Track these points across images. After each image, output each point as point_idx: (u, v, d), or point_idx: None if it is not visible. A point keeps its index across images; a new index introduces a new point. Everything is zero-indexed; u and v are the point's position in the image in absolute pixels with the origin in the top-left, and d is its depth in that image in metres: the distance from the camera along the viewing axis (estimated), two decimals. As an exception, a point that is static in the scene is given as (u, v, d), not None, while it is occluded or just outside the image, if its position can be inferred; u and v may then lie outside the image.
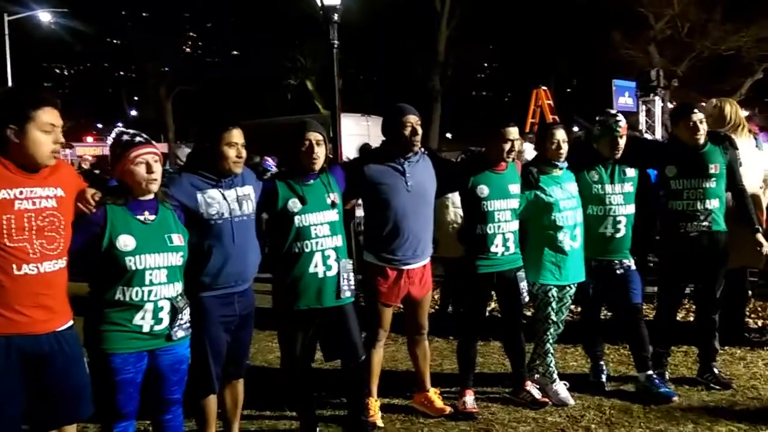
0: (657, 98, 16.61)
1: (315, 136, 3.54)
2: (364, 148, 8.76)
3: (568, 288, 4.25)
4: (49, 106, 2.61)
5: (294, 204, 3.52)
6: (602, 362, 4.56)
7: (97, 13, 31.11)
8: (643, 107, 16.91)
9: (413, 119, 3.85)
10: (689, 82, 22.87)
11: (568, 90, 38.88)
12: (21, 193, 2.54)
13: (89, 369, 2.87)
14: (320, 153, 3.56)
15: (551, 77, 31.45)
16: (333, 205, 3.61)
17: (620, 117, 4.27)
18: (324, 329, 3.63)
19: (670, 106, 17.59)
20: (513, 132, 4.02)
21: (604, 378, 4.49)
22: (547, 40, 31.23)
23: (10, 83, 22.15)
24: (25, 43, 28.95)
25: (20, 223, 2.52)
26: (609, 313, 5.19)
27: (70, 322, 2.70)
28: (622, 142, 4.23)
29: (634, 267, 4.32)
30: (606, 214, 4.27)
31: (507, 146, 4.00)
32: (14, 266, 2.49)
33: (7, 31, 22.63)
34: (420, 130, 3.87)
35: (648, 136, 13.34)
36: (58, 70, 48.56)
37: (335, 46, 7.36)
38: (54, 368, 2.61)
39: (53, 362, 2.60)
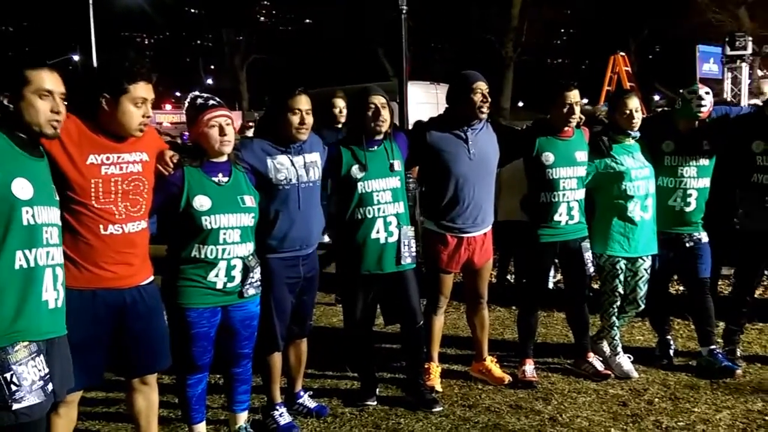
0: (744, 65, 15.69)
1: (379, 100, 3.58)
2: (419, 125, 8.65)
3: (641, 261, 4.14)
4: (144, 81, 2.68)
5: (357, 170, 3.58)
6: (669, 337, 4.45)
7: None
8: (729, 74, 16.02)
9: (483, 86, 3.81)
10: (782, 48, 21.43)
11: (650, 56, 37.22)
12: (108, 158, 2.66)
13: (167, 323, 3.05)
14: (386, 116, 3.60)
15: (631, 43, 30.13)
16: (394, 171, 3.65)
17: (704, 99, 4.04)
18: (384, 294, 3.71)
19: (760, 73, 16.59)
20: (572, 95, 3.91)
21: (671, 353, 4.39)
22: (628, 2, 29.86)
23: (94, 52, 23.06)
24: (107, 12, 30.04)
25: (107, 186, 2.65)
26: (681, 288, 5.05)
27: (151, 278, 2.86)
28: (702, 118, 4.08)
29: (705, 240, 4.18)
30: (677, 186, 4.14)
31: (565, 110, 3.91)
32: (101, 227, 2.64)
33: (91, 1, 23.47)
34: (488, 98, 3.83)
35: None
36: (138, 39, 50.28)
37: (403, 12, 7.31)
38: (136, 318, 2.76)
39: (135, 312, 2.76)
